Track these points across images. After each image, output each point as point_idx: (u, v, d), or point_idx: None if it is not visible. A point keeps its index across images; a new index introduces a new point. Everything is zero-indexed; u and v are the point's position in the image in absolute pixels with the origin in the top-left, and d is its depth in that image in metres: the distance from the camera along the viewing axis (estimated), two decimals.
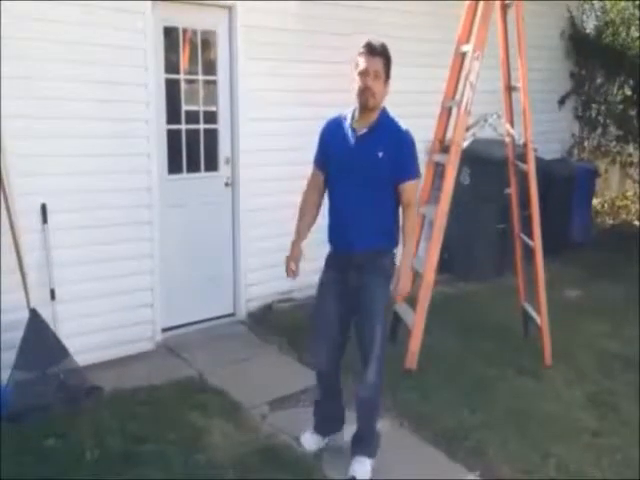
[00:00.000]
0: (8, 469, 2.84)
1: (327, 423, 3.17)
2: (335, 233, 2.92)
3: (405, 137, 2.81)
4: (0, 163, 3.47)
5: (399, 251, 2.93)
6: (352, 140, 2.82)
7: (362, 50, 2.76)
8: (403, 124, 2.85)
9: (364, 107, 2.78)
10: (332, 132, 2.94)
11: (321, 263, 3.03)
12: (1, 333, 3.50)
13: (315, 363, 3.15)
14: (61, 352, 3.54)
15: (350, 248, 2.86)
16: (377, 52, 2.74)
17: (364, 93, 2.74)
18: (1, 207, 3.49)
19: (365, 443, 2.98)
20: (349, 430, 3.08)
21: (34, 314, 3.51)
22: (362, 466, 2.93)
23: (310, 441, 3.14)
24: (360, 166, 2.79)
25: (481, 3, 3.87)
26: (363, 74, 2.74)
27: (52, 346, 3.52)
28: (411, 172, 2.82)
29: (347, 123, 2.86)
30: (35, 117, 3.65)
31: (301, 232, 3.01)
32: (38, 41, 3.61)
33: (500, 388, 3.70)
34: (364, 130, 2.80)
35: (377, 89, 2.74)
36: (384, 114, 2.83)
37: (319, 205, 3.02)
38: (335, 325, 2.95)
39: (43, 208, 3.69)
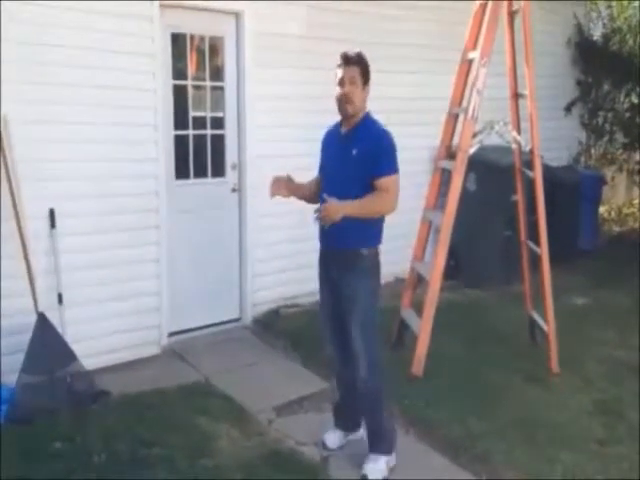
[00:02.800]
0: (16, 471, 2.85)
1: (346, 418, 3.19)
2: (320, 230, 2.99)
3: (380, 135, 2.86)
4: (9, 168, 3.50)
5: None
6: (336, 143, 2.98)
7: (339, 62, 2.90)
8: (383, 125, 2.92)
9: (344, 114, 2.91)
10: (327, 139, 3.11)
11: None
12: (8, 336, 3.52)
13: (328, 355, 3.17)
14: (68, 356, 3.56)
15: (329, 245, 2.97)
16: (351, 61, 2.86)
17: (342, 101, 2.87)
18: (10, 212, 3.51)
19: (376, 440, 3.00)
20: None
21: (42, 318, 3.53)
22: (375, 464, 2.95)
23: (332, 439, 3.17)
24: (339, 165, 2.91)
25: (488, 9, 3.88)
26: (340, 83, 2.87)
27: (60, 350, 3.54)
28: (386, 168, 2.82)
29: (338, 129, 3.01)
30: (43, 122, 3.68)
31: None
32: (45, 46, 3.64)
33: (507, 395, 3.68)
34: (345, 131, 2.94)
35: (354, 94, 2.85)
36: (367, 117, 2.94)
37: (317, 189, 3.07)
38: (334, 318, 3.01)
39: (51, 213, 3.72)
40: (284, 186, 3.04)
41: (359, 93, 2.87)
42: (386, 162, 2.83)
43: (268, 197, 3.05)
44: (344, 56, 2.88)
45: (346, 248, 2.89)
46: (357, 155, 2.84)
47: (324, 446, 3.16)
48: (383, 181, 2.80)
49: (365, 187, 2.82)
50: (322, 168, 3.09)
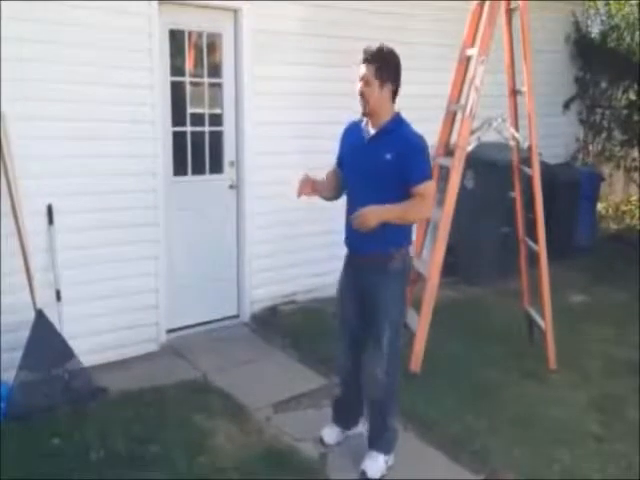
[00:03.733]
0: (13, 468, 2.85)
1: (345, 415, 3.19)
2: (346, 233, 2.97)
3: (416, 141, 2.81)
4: (7, 164, 3.49)
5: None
6: (363, 142, 2.89)
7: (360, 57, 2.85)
8: (416, 129, 2.86)
9: (362, 113, 2.86)
10: (348, 134, 3.03)
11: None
12: (6, 333, 3.52)
13: (338, 356, 3.18)
14: (66, 353, 3.56)
15: (358, 249, 2.93)
16: (368, 59, 2.81)
17: (360, 99, 2.83)
18: (8, 208, 3.51)
19: (377, 439, 3.00)
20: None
21: (40, 315, 3.53)
22: (374, 462, 2.95)
23: (330, 434, 3.18)
24: (368, 168, 2.84)
25: (486, 7, 3.88)
26: (359, 81, 2.82)
27: (58, 347, 3.54)
28: (424, 174, 2.79)
29: (362, 126, 2.93)
30: (41, 118, 3.66)
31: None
32: (44, 43, 3.62)
33: (504, 392, 3.69)
34: (373, 133, 2.86)
35: (369, 94, 2.79)
36: (397, 118, 2.87)
37: (337, 183, 3.02)
38: (352, 321, 3.01)
39: (49, 209, 3.71)
40: (310, 185, 2.95)
41: (375, 93, 2.78)
42: (423, 168, 2.79)
43: (296, 196, 2.95)
44: (363, 52, 2.80)
45: (379, 252, 2.85)
46: (392, 160, 2.76)
47: (321, 442, 3.17)
48: (422, 187, 2.74)
49: (400, 192, 2.75)
50: (345, 167, 2.99)
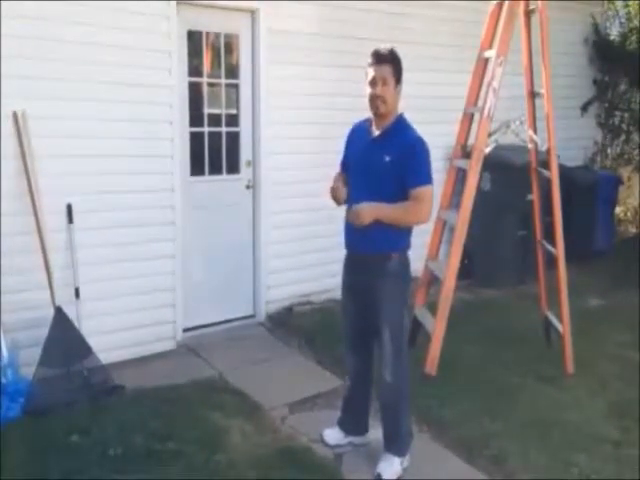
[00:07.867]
0: (32, 463, 2.88)
1: (351, 420, 3.19)
2: (345, 233, 2.97)
3: (416, 143, 2.79)
4: (27, 163, 3.54)
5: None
6: (366, 144, 2.90)
7: (370, 60, 2.82)
8: (417, 131, 2.85)
9: (375, 114, 2.85)
10: (354, 135, 3.04)
11: (340, 267, 3.08)
12: (26, 330, 3.57)
13: (345, 359, 3.20)
14: (85, 350, 3.60)
15: (356, 249, 2.93)
16: (384, 59, 2.80)
17: (374, 101, 2.81)
18: (28, 207, 3.55)
19: (391, 441, 3.00)
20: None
21: (59, 312, 3.58)
22: (389, 465, 2.95)
23: (331, 435, 3.18)
24: (368, 169, 2.85)
25: (504, 9, 3.87)
26: (372, 83, 2.81)
27: (76, 344, 3.58)
28: (421, 178, 2.76)
29: (367, 127, 2.93)
30: (61, 118, 3.71)
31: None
32: (62, 42, 3.67)
33: (521, 396, 3.67)
34: (377, 134, 2.87)
35: (387, 95, 2.79)
36: (400, 120, 2.87)
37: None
38: (354, 322, 3.02)
39: (69, 208, 3.75)
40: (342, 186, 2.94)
41: (392, 93, 2.79)
42: (421, 172, 2.77)
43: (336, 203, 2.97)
44: (376, 54, 2.80)
45: (376, 253, 2.85)
46: (390, 163, 2.76)
47: (322, 440, 3.18)
48: (418, 191, 2.73)
49: (396, 195, 2.76)
50: (349, 167, 3.00)
